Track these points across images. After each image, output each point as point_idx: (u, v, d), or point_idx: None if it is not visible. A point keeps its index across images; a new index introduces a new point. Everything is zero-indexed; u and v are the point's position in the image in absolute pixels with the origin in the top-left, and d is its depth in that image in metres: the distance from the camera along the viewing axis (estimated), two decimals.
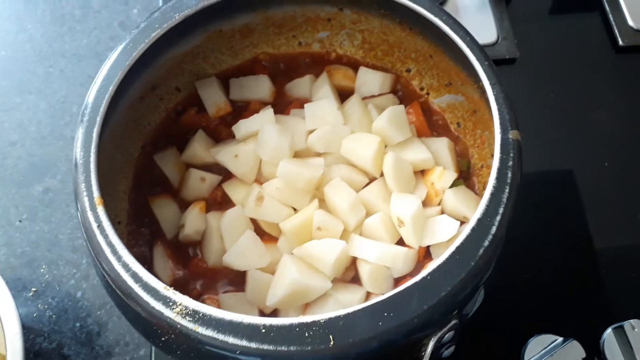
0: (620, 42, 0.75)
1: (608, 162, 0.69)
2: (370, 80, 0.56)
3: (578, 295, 0.61)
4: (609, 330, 0.58)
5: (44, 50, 0.78)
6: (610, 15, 0.77)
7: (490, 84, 0.42)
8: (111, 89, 0.44)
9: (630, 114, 0.73)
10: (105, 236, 0.38)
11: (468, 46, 0.43)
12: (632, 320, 0.57)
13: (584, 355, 0.55)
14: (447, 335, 0.37)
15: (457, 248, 0.37)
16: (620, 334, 0.57)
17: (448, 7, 0.76)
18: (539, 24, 0.78)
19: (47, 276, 0.64)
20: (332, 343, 0.34)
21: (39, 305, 0.63)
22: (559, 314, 0.60)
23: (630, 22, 0.76)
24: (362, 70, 0.56)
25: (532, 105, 0.73)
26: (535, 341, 0.56)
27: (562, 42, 0.77)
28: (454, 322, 0.37)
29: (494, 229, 0.37)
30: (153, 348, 0.58)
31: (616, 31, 0.76)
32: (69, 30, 0.80)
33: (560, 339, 0.56)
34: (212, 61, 0.57)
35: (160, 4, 0.78)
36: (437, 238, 0.47)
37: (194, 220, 0.51)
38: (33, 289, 0.64)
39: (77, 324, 0.62)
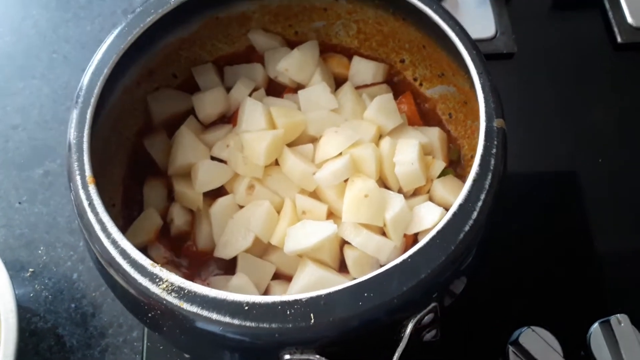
0: (619, 40, 0.75)
1: (604, 158, 0.70)
2: (363, 69, 0.56)
3: (567, 289, 0.62)
4: (595, 325, 0.58)
5: (48, 35, 0.80)
6: (610, 13, 0.77)
7: (478, 73, 0.42)
8: (106, 71, 0.45)
9: (628, 111, 0.73)
10: (96, 214, 0.39)
11: (457, 35, 0.44)
12: (618, 315, 0.57)
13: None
14: (426, 318, 0.38)
15: (438, 232, 0.38)
16: (607, 328, 0.57)
17: (448, 1, 0.76)
18: (538, 20, 0.78)
19: (44, 257, 0.65)
20: (312, 321, 0.35)
21: (36, 286, 0.64)
22: (547, 307, 0.61)
23: (630, 20, 0.76)
24: (356, 59, 0.57)
25: (528, 100, 0.73)
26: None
27: (560, 38, 0.77)
28: (433, 304, 0.37)
29: (475, 214, 0.38)
30: (145, 330, 0.59)
31: (615, 28, 0.76)
32: (74, 16, 0.81)
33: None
34: (209, 48, 0.58)
35: None
36: (422, 225, 0.48)
37: (181, 212, 0.52)
38: (30, 270, 0.65)
39: (72, 305, 0.63)
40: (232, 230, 0.49)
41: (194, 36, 0.56)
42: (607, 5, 0.77)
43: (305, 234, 0.47)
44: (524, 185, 0.68)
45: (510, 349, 0.57)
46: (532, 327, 0.57)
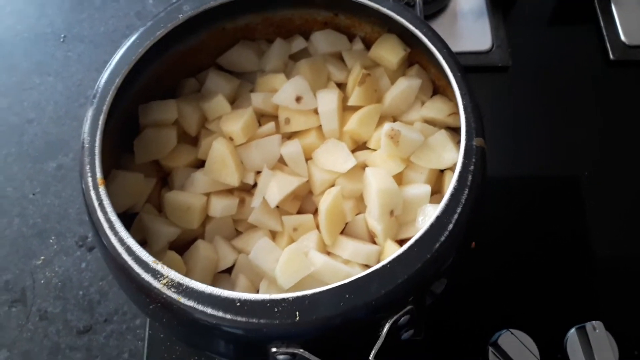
0: (612, 57, 0.77)
1: (589, 172, 0.72)
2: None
3: (548, 295, 0.65)
4: (572, 330, 0.61)
5: (63, 35, 0.83)
6: (604, 30, 0.79)
7: (461, 94, 0.45)
8: (117, 81, 0.48)
9: (618, 127, 0.75)
10: (105, 213, 0.43)
11: (444, 57, 0.47)
12: (593, 321, 0.60)
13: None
14: (402, 319, 0.41)
15: (416, 241, 0.41)
16: (582, 333, 0.60)
17: (447, 13, 0.79)
18: (534, 35, 0.81)
19: (55, 247, 0.70)
20: (297, 318, 0.39)
21: (47, 273, 0.68)
22: (528, 311, 0.64)
23: (623, 38, 0.78)
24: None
25: (520, 113, 0.76)
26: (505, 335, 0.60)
27: (555, 53, 0.79)
28: (409, 307, 0.41)
29: (450, 226, 0.41)
30: (148, 318, 0.63)
31: (608, 45, 0.78)
32: (88, 17, 0.85)
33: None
34: (215, 56, 0.61)
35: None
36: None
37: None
38: (42, 258, 0.69)
39: (80, 292, 0.67)
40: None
41: (201, 45, 0.59)
42: (602, 23, 0.79)
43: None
44: (509, 193, 0.71)
45: (490, 349, 0.60)
46: (511, 329, 0.60)
